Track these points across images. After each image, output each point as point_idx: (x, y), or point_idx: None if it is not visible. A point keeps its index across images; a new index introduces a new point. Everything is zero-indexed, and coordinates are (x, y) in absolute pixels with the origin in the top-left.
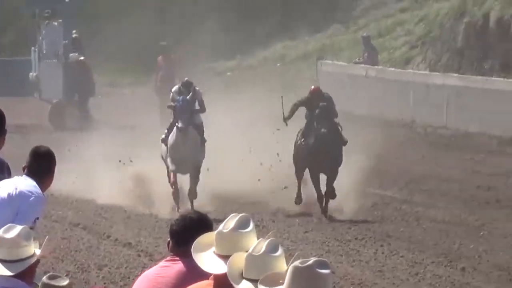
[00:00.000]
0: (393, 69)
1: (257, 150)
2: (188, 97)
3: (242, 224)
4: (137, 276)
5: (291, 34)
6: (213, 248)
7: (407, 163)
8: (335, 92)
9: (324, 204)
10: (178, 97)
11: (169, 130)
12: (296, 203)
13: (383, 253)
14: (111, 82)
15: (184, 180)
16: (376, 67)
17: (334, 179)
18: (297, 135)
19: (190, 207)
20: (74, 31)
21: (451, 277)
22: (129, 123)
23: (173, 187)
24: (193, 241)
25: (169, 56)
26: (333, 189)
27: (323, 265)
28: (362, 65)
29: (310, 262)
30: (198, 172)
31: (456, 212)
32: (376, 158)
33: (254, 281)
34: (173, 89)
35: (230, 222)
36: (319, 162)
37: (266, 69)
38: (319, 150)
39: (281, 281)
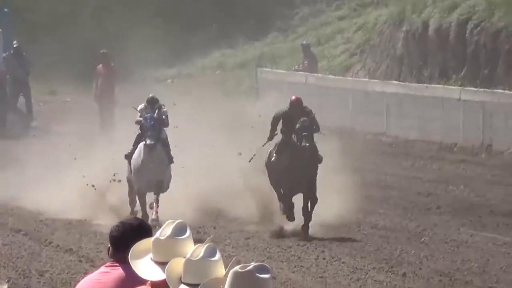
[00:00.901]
0: (332, 76)
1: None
2: (155, 114)
3: (178, 231)
4: (78, 281)
5: (230, 42)
6: (150, 255)
7: (347, 170)
8: (275, 100)
9: (303, 228)
10: (146, 115)
11: (134, 146)
12: (290, 220)
13: (324, 259)
14: (52, 90)
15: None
16: (315, 74)
17: (314, 199)
18: (268, 154)
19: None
20: (14, 42)
21: (392, 282)
22: (69, 130)
23: (133, 208)
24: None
25: (109, 64)
26: (311, 213)
27: (263, 270)
28: (302, 72)
29: (250, 267)
30: (164, 191)
31: (396, 218)
32: None
33: (192, 286)
34: (139, 107)
35: (166, 229)
36: (294, 180)
37: (206, 77)
38: (295, 167)
39: (221, 286)
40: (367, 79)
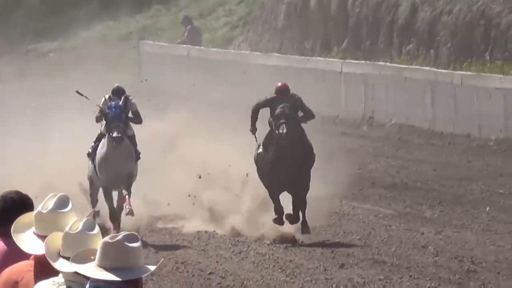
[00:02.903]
0: (214, 49)
1: None
2: (120, 102)
3: (60, 204)
4: None
5: (113, 14)
6: (33, 229)
7: None
8: (158, 73)
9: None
10: (111, 103)
11: (97, 142)
12: (278, 223)
13: (206, 232)
14: None
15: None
16: (198, 47)
17: (303, 203)
18: (257, 146)
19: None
20: None
21: (275, 255)
22: None
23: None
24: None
25: None
26: (298, 214)
27: (133, 239)
28: (184, 45)
29: (119, 237)
30: (130, 188)
31: None
32: None
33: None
34: (102, 101)
35: (49, 202)
36: (280, 178)
37: (89, 50)
38: (280, 163)
39: (92, 257)
40: (249, 52)
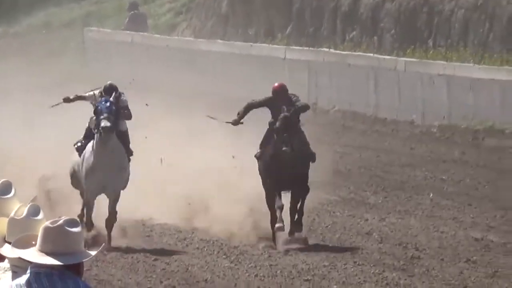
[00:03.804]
0: (158, 35)
1: None
2: (111, 98)
3: (3, 190)
4: None
5: (56, 0)
6: None
7: None
8: (102, 60)
9: (292, 231)
10: (101, 98)
11: (86, 137)
12: (278, 230)
13: (151, 218)
14: None
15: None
16: (142, 33)
17: (303, 204)
18: (260, 144)
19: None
20: None
21: (219, 241)
22: None
23: (85, 209)
24: None
25: None
26: (301, 219)
27: (73, 223)
28: (128, 32)
29: (60, 222)
30: (121, 189)
31: None
32: None
33: None
34: (91, 92)
35: None
36: (278, 178)
37: (32, 36)
38: (278, 167)
39: (33, 242)
40: (193, 38)
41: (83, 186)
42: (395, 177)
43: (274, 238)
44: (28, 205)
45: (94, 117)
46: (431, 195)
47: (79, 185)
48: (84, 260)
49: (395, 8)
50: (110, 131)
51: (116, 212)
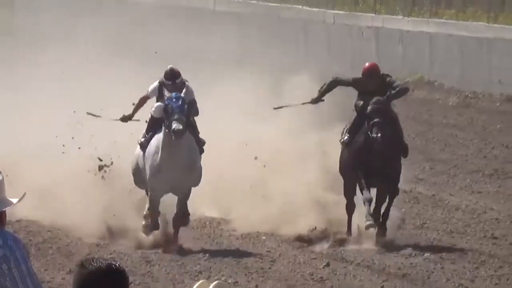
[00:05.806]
0: None
1: None
2: (182, 94)
3: None
4: None
5: None
6: None
7: None
8: (32, 11)
9: (378, 235)
10: (171, 94)
11: (149, 133)
12: (369, 227)
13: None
14: None
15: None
16: None
17: (390, 205)
18: (343, 129)
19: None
20: None
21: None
22: None
23: (151, 216)
24: None
25: None
26: (385, 223)
27: None
28: None
29: None
30: (192, 187)
31: None
32: None
33: None
34: (152, 87)
35: None
36: (367, 171)
37: None
38: (367, 159)
39: None
40: None
41: (148, 184)
42: None
43: (349, 227)
44: None
45: (157, 106)
46: None
47: (142, 183)
48: (5, 209)
49: None
50: (182, 133)
51: (187, 213)
